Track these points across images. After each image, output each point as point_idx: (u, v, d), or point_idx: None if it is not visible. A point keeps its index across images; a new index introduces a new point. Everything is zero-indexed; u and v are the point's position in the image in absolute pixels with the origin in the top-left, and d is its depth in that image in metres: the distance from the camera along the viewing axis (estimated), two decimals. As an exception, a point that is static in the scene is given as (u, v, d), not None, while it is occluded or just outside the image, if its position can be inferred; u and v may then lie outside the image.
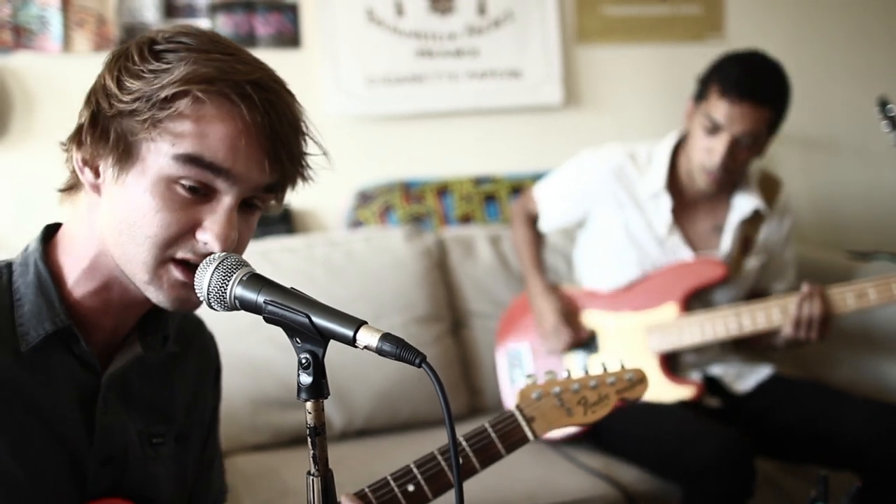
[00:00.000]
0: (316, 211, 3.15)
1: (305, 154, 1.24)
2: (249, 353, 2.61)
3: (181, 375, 1.43)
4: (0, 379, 1.20)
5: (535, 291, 2.68)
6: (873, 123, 3.27)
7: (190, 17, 2.94)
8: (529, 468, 2.41)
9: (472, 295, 2.97)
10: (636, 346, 2.56)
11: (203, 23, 2.94)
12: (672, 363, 2.57)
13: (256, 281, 1.12)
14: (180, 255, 1.18)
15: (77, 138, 1.21)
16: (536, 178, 3.23)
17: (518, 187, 3.23)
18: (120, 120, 1.16)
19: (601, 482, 2.40)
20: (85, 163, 1.21)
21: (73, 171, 1.24)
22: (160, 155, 1.15)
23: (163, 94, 1.13)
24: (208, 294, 1.13)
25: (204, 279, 1.13)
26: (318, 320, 1.07)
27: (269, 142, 1.17)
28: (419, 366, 1.04)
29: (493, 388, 2.85)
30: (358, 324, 1.05)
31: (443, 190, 3.20)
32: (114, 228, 1.19)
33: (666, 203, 2.58)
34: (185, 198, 1.16)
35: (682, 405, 2.47)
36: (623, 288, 2.63)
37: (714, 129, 2.44)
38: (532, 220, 2.80)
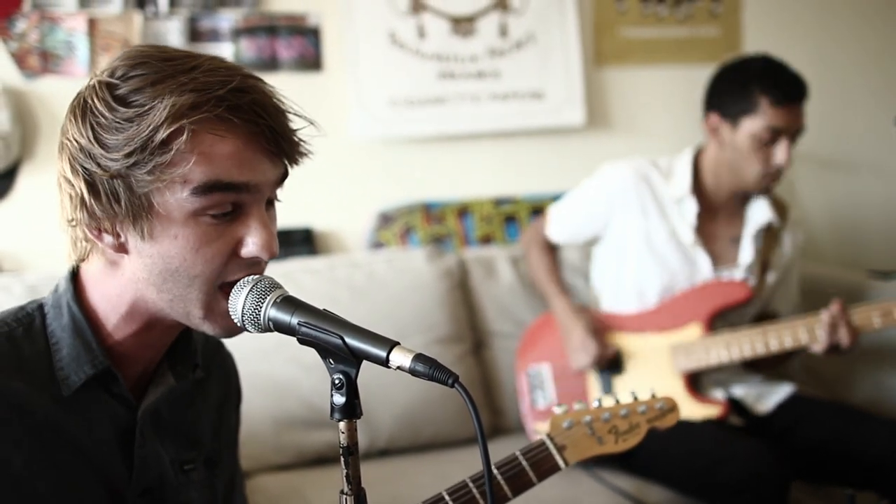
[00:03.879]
0: (337, 232, 3.17)
1: (296, 131, 1.22)
2: (273, 373, 2.63)
3: (205, 398, 1.44)
4: (43, 422, 1.20)
5: (561, 309, 2.68)
6: (892, 143, 3.29)
7: (213, 42, 2.97)
8: (555, 488, 2.40)
9: (494, 315, 2.98)
10: (661, 366, 2.57)
11: (226, 47, 2.98)
12: (696, 383, 2.57)
13: (290, 303, 1.13)
14: (231, 278, 1.18)
15: (83, 209, 1.16)
16: (557, 199, 3.24)
17: (538, 208, 3.25)
18: (122, 178, 1.13)
19: (627, 503, 2.39)
20: (100, 230, 1.18)
21: (85, 241, 1.21)
22: (177, 195, 1.14)
23: (157, 139, 1.11)
24: (242, 316, 1.14)
25: (238, 302, 1.14)
26: (352, 341, 1.09)
27: (269, 141, 1.17)
28: (452, 385, 1.05)
29: (515, 408, 2.86)
30: (391, 345, 1.07)
31: (463, 211, 3.22)
32: (156, 279, 1.18)
33: (692, 207, 2.61)
34: (217, 225, 1.16)
35: (710, 424, 2.47)
36: (647, 310, 2.64)
37: (773, 138, 2.53)
38: (545, 244, 2.81)
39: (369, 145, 3.18)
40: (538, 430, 2.67)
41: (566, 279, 2.90)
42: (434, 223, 3.17)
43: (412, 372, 1.06)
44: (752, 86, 2.53)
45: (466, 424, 2.80)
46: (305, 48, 3.09)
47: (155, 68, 1.14)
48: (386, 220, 3.17)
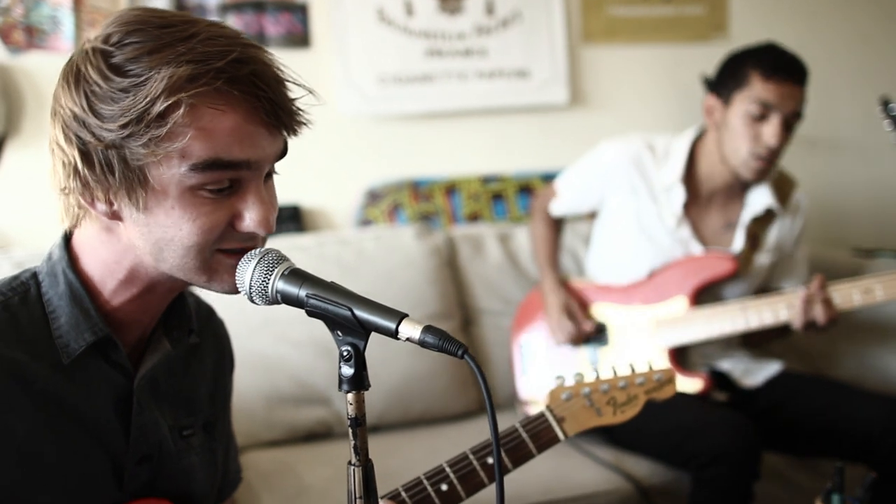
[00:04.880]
0: (325, 210, 3.17)
1: (295, 100, 1.18)
2: (263, 350, 2.63)
3: (199, 364, 1.44)
4: (43, 391, 1.19)
5: (546, 287, 2.71)
6: (876, 123, 3.31)
7: (201, 16, 2.95)
8: (544, 461, 2.39)
9: (482, 292, 2.99)
10: (646, 339, 2.59)
11: (214, 23, 2.96)
12: (681, 357, 2.60)
13: (298, 275, 1.13)
14: (226, 246, 1.17)
15: (76, 178, 1.14)
16: (544, 177, 3.26)
17: (525, 186, 3.26)
18: (116, 149, 1.11)
19: (614, 475, 2.42)
20: (93, 199, 1.16)
21: (77, 207, 1.19)
22: (174, 170, 1.11)
23: (154, 112, 1.08)
24: (250, 289, 1.14)
25: (246, 274, 1.14)
26: (361, 313, 1.09)
27: (269, 114, 1.14)
28: (461, 356, 1.05)
29: (504, 384, 2.88)
30: (400, 316, 1.07)
31: (451, 189, 3.22)
32: (153, 247, 1.17)
33: (679, 196, 2.61)
34: (214, 199, 1.15)
35: (691, 397, 2.50)
36: (634, 283, 2.66)
37: (763, 114, 2.50)
38: (548, 215, 2.82)
39: (357, 122, 3.18)
40: (529, 399, 2.70)
41: (565, 242, 2.93)
42: (422, 201, 3.18)
43: (421, 343, 1.06)
44: (746, 61, 2.54)
45: (455, 400, 2.82)
46: (293, 25, 3.07)
47: (151, 36, 1.10)
48: (374, 197, 3.17)
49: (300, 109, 1.19)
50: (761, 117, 2.50)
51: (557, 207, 2.80)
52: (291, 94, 1.18)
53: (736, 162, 2.56)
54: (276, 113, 1.15)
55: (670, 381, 1.61)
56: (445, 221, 3.18)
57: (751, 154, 2.53)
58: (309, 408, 2.66)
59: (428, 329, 1.06)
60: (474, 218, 3.23)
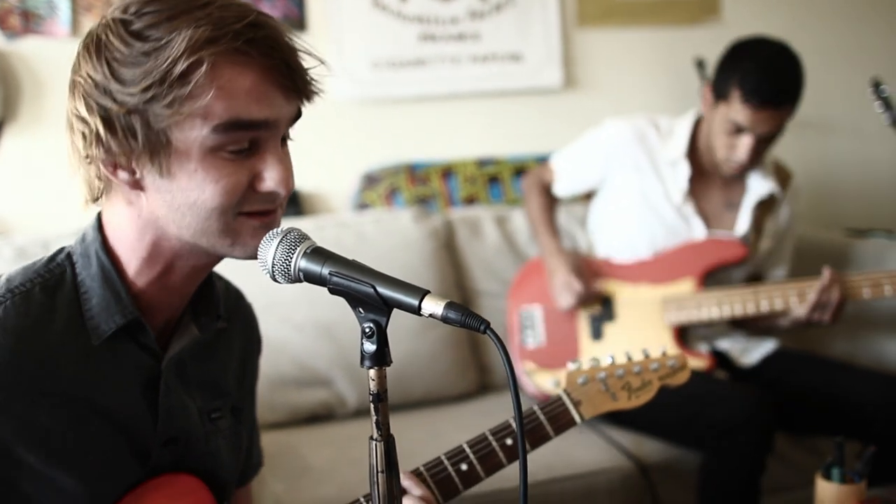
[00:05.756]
0: (323, 193, 3.18)
1: (308, 69, 1.22)
2: (266, 333, 2.58)
3: (228, 348, 1.45)
4: (70, 373, 1.21)
5: (549, 250, 2.71)
6: (867, 104, 3.35)
7: (197, 2, 2.95)
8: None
9: (480, 275, 3.01)
10: (651, 317, 2.62)
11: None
12: (683, 337, 2.63)
13: (320, 254, 1.14)
14: (248, 209, 1.19)
15: (98, 146, 1.16)
16: (538, 159, 3.28)
17: (521, 169, 3.28)
18: (139, 113, 1.13)
19: (617, 454, 2.46)
20: (116, 166, 1.18)
21: (98, 179, 1.21)
22: (195, 132, 1.14)
23: (177, 71, 1.10)
24: (272, 267, 1.14)
25: (268, 253, 1.14)
26: (384, 290, 1.10)
27: (284, 76, 1.17)
28: (483, 332, 1.07)
29: (502, 365, 2.89)
30: (423, 293, 1.08)
31: (447, 172, 3.24)
32: (175, 214, 1.18)
33: (684, 170, 2.64)
34: (234, 160, 1.17)
35: (696, 374, 2.52)
36: (642, 262, 2.69)
37: (738, 131, 2.51)
38: (546, 189, 2.84)
39: (353, 106, 3.19)
40: (527, 369, 2.73)
41: (560, 223, 2.93)
42: (419, 184, 3.19)
43: (444, 319, 1.07)
44: (735, 75, 2.49)
45: (455, 382, 2.85)
46: (289, 8, 3.08)
47: (169, 4, 1.14)
48: (371, 181, 3.18)
49: (313, 78, 1.22)
50: (737, 131, 2.52)
51: (559, 188, 2.82)
52: (305, 63, 1.21)
53: (716, 160, 2.61)
54: (290, 76, 1.18)
55: (683, 367, 1.63)
56: (442, 204, 3.20)
57: (724, 158, 2.57)
58: (310, 390, 2.68)
59: (450, 305, 1.07)
60: (471, 201, 3.24)
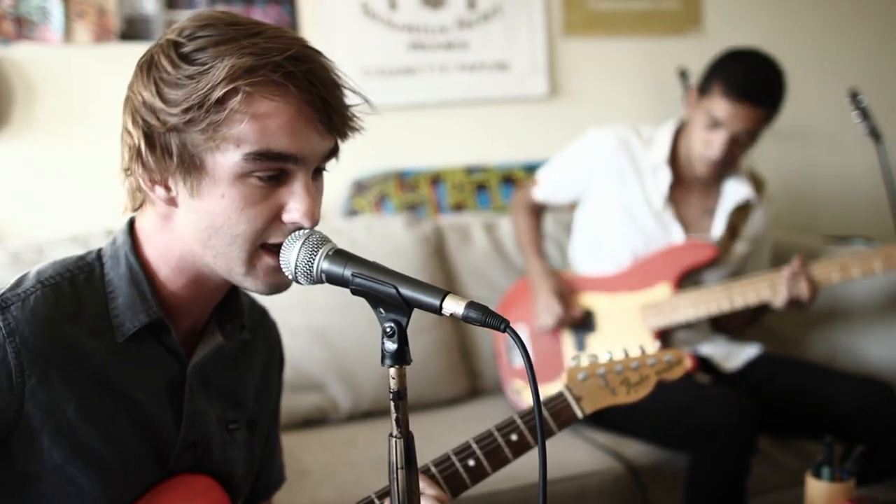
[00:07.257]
0: (313, 200, 3.20)
1: (350, 107, 1.24)
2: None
3: (249, 363, 1.48)
4: (98, 369, 1.24)
5: (534, 271, 2.77)
6: (844, 114, 3.42)
7: (190, 9, 2.97)
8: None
9: (470, 280, 3.05)
10: (632, 324, 2.67)
11: (202, 15, 2.98)
12: (665, 342, 2.68)
13: (342, 255, 1.18)
14: (272, 241, 1.22)
15: (138, 161, 1.21)
16: (526, 167, 3.33)
17: (508, 177, 3.32)
18: (177, 133, 1.17)
19: (606, 456, 2.50)
20: (153, 182, 1.22)
21: (138, 191, 1.26)
22: (227, 158, 1.17)
23: (214, 97, 1.14)
24: (295, 269, 1.18)
25: (291, 255, 1.18)
26: (405, 291, 1.13)
27: (321, 112, 1.19)
28: (504, 330, 1.11)
29: (491, 371, 2.95)
30: (443, 293, 1.12)
31: (436, 179, 3.28)
32: (201, 234, 1.22)
33: (665, 176, 2.70)
34: (262, 188, 1.19)
35: (681, 378, 2.57)
36: (618, 272, 2.74)
37: (714, 125, 2.57)
38: (531, 207, 2.89)
39: (343, 114, 3.21)
40: (515, 387, 2.77)
41: (548, 230, 2.98)
42: (408, 191, 3.23)
43: (465, 319, 1.11)
44: (720, 73, 2.58)
45: (447, 386, 2.88)
46: (281, 16, 3.11)
47: (220, 31, 1.18)
48: (360, 188, 3.21)
49: (354, 115, 1.24)
50: (714, 126, 2.58)
51: (540, 192, 2.87)
52: (348, 100, 1.23)
53: (693, 159, 2.67)
54: (327, 113, 1.20)
55: (679, 362, 1.68)
56: (431, 211, 3.23)
57: (700, 155, 2.64)
58: (304, 394, 2.71)
59: (471, 305, 1.10)
60: (459, 208, 3.28)
